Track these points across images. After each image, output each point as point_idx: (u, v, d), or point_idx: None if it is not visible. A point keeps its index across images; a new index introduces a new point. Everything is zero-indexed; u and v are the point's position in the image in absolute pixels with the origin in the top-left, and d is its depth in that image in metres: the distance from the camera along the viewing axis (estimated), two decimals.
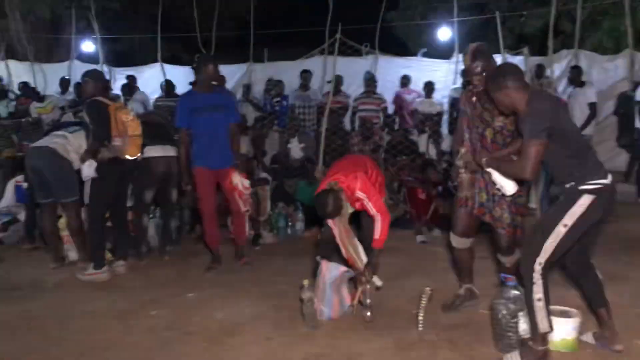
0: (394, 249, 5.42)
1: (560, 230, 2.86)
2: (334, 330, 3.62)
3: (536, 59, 9.01)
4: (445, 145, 7.62)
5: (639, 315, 3.61)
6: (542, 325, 2.91)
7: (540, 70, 8.06)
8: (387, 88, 10.10)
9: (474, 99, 3.57)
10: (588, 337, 3.21)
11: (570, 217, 2.85)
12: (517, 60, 9.16)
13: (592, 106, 7.57)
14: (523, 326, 3.11)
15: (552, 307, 3.29)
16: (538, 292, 2.88)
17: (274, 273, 4.92)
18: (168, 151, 5.36)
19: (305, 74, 9.10)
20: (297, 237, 6.19)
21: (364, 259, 3.86)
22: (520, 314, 3.10)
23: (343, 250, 3.89)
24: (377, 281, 3.84)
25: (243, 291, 4.44)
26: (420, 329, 3.41)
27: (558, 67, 9.45)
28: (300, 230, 6.24)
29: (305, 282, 3.63)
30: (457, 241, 3.76)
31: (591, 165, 2.92)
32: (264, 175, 6.68)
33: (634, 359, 3.07)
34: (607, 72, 9.66)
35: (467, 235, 3.73)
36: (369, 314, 3.65)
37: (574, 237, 2.90)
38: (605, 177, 2.89)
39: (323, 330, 3.61)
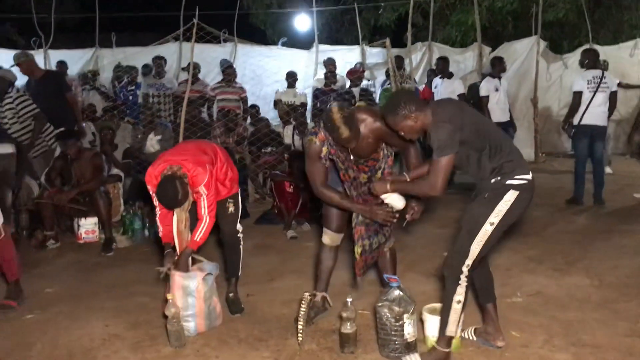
0: (264, 247, 5.15)
1: (487, 230, 2.75)
2: (203, 347, 3.22)
3: (395, 51, 9.16)
4: None
5: (511, 305, 3.65)
6: (451, 328, 2.81)
7: (399, 61, 8.16)
8: (247, 77, 9.76)
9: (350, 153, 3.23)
10: (469, 334, 3.15)
11: (497, 215, 2.75)
12: (376, 52, 9.29)
13: (462, 97, 7.80)
14: (408, 329, 2.95)
15: (434, 305, 3.22)
16: (460, 294, 2.78)
17: (130, 283, 4.37)
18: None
19: (159, 61, 8.42)
20: (155, 239, 5.59)
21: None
22: (405, 316, 2.93)
23: (177, 241, 3.44)
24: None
25: (95, 307, 3.87)
26: (300, 339, 3.12)
27: (414, 58, 9.74)
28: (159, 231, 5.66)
29: (170, 297, 3.19)
30: (332, 238, 3.49)
31: (516, 159, 2.82)
32: (115, 171, 6.00)
33: (512, 350, 3.05)
34: (458, 65, 10.12)
35: (340, 231, 3.49)
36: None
37: (498, 235, 2.81)
38: (527, 173, 2.81)
39: (190, 348, 3.20)
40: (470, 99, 9.16)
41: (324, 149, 3.19)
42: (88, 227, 5.54)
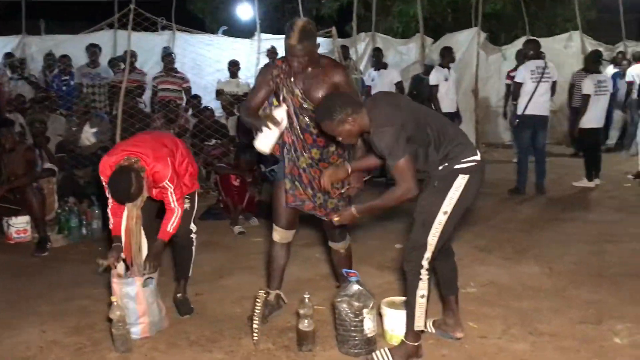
0: (211, 244, 4.95)
1: (441, 219, 2.66)
2: (151, 351, 3.03)
3: (339, 41, 9.08)
4: None
5: (466, 296, 3.61)
6: (419, 323, 2.73)
7: (345, 51, 8.07)
8: (188, 66, 9.44)
9: (288, 81, 3.10)
10: (428, 327, 3.08)
11: (449, 203, 2.66)
12: (321, 41, 9.16)
13: (399, 84, 7.77)
14: (368, 324, 2.86)
15: (394, 298, 3.16)
16: (423, 289, 2.69)
17: (68, 285, 4.08)
18: None
19: (94, 49, 7.99)
20: (94, 237, 5.29)
21: (144, 252, 3.28)
22: (365, 311, 2.84)
23: (124, 239, 3.21)
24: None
25: (29, 312, 3.58)
26: (255, 339, 2.98)
27: (358, 49, 9.70)
28: (98, 229, 5.36)
29: (114, 299, 2.98)
30: (282, 235, 3.33)
31: (462, 142, 2.73)
32: (48, 165, 5.64)
33: (471, 342, 3.02)
34: (401, 55, 10.16)
35: (292, 227, 3.34)
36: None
37: (454, 222, 2.72)
38: (475, 154, 2.72)
39: (138, 352, 3.00)
40: (413, 90, 9.23)
41: (274, 71, 3.12)
42: (19, 226, 5.17)
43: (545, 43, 11.03)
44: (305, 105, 3.10)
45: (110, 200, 3.22)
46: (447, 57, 7.65)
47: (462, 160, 2.67)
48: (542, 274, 4.05)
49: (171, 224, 3.22)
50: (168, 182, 3.18)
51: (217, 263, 4.46)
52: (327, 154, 3.20)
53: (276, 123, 3.04)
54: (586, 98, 6.77)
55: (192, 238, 3.53)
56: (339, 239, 3.43)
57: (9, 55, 8.73)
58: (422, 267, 2.69)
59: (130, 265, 3.23)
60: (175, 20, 10.10)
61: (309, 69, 3.07)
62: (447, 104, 7.49)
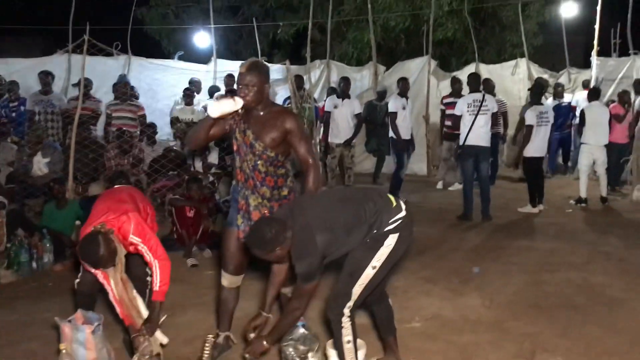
0: None
1: (369, 273, 2.79)
2: None
3: (294, 68, 9.24)
4: (213, 157, 7.28)
5: (410, 330, 3.77)
6: None
7: (299, 81, 8.20)
8: (143, 90, 9.45)
9: (241, 123, 3.25)
10: None
11: (379, 259, 2.79)
12: (277, 68, 9.33)
13: (359, 116, 7.97)
14: None
15: None
16: (347, 335, 2.80)
17: (17, 325, 4.04)
18: None
19: (46, 77, 7.91)
20: (45, 272, 5.25)
21: (144, 314, 3.33)
22: (310, 354, 2.96)
23: (118, 309, 3.28)
24: (162, 338, 3.32)
25: None
26: None
27: (313, 75, 9.89)
28: (49, 263, 5.32)
29: (63, 347, 3.01)
30: (230, 280, 3.40)
31: (380, 212, 2.81)
32: None
33: None
34: (354, 82, 10.38)
35: (240, 273, 3.41)
36: None
37: (382, 275, 2.85)
38: (400, 211, 2.85)
39: None
40: (367, 117, 9.46)
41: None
42: None
43: (494, 69, 11.55)
44: (256, 146, 3.20)
45: (106, 286, 3.25)
46: (404, 86, 7.90)
47: (389, 222, 2.81)
48: (483, 306, 4.23)
49: (156, 282, 3.27)
50: (133, 237, 3.23)
51: (170, 298, 4.35)
52: (277, 194, 3.31)
53: (236, 103, 3.10)
54: (529, 128, 7.10)
55: (147, 281, 3.55)
56: (289, 283, 3.39)
57: None
58: (343, 314, 2.80)
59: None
60: (131, 42, 10.11)
61: (261, 111, 3.22)
62: (403, 131, 7.73)
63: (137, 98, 8.44)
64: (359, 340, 3.18)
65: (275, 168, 3.23)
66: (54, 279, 5.03)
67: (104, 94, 9.02)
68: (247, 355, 2.94)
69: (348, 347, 2.82)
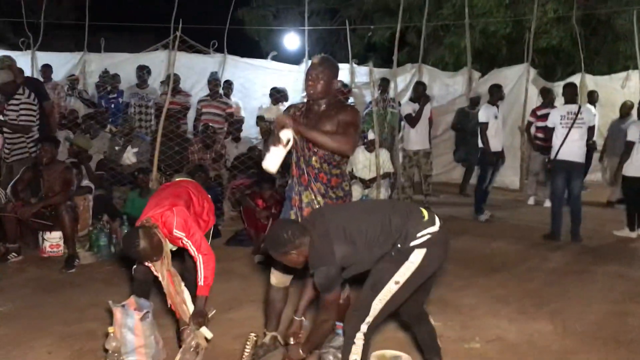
0: (226, 272, 5.00)
1: (391, 288, 2.61)
2: None
3: (381, 71, 9.09)
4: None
5: (468, 352, 3.54)
6: None
7: (385, 84, 8.02)
8: (235, 90, 9.65)
9: (301, 118, 3.20)
10: None
11: (402, 275, 2.60)
12: (366, 71, 9.22)
13: (430, 120, 7.73)
14: None
15: (384, 351, 3.12)
16: (355, 354, 2.63)
17: (85, 305, 4.25)
18: None
19: (142, 71, 8.31)
20: (122, 256, 5.48)
21: (191, 308, 3.36)
22: None
23: (169, 301, 3.36)
24: (206, 333, 3.32)
25: (43, 331, 3.75)
26: None
27: (402, 79, 9.68)
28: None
29: (111, 330, 3.09)
30: (278, 279, 3.37)
31: (406, 226, 2.64)
32: (85, 183, 5.90)
33: None
34: (447, 88, 10.08)
35: (289, 272, 3.34)
36: None
37: (405, 294, 2.67)
38: (431, 225, 2.66)
39: None
40: (457, 123, 9.13)
41: (292, 109, 3.35)
42: (53, 241, 5.43)
43: (602, 81, 10.75)
44: (311, 144, 3.15)
45: (162, 279, 3.35)
46: (495, 94, 7.42)
47: (417, 236, 2.61)
48: (554, 333, 3.90)
49: (200, 277, 3.30)
50: (177, 231, 3.27)
51: (230, 294, 4.53)
52: (332, 194, 3.21)
53: (281, 143, 3.01)
54: (629, 145, 6.52)
55: None
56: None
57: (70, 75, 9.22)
58: (359, 330, 2.62)
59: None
60: (229, 41, 10.39)
61: (323, 106, 3.17)
62: (494, 142, 7.31)
63: (227, 96, 8.63)
64: (404, 355, 3.04)
65: (329, 166, 3.18)
66: (129, 264, 5.22)
67: (199, 90, 9.38)
68: (288, 356, 2.91)
69: None
